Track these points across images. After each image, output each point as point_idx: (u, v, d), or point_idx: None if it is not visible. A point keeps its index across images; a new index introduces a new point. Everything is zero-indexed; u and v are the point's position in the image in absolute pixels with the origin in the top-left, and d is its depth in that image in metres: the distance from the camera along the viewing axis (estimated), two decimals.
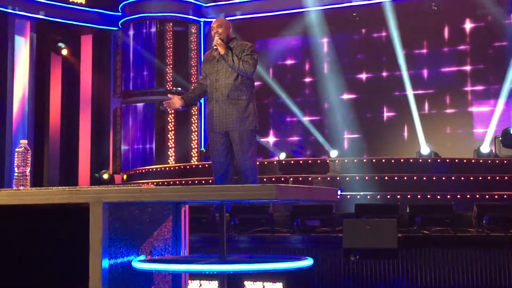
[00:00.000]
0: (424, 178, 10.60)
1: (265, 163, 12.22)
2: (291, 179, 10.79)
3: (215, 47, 5.86)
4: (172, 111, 16.37)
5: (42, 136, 16.83)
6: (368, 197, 10.29)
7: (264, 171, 10.90)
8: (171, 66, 16.81)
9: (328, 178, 10.90)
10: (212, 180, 6.29)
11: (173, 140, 16.71)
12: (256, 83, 6.43)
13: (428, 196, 10.03)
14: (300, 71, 17.25)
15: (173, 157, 16.60)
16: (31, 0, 16.45)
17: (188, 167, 13.41)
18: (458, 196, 9.82)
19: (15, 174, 3.75)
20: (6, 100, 16.15)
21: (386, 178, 10.63)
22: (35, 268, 3.25)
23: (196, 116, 17.02)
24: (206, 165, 12.28)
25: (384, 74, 16.41)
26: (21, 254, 3.27)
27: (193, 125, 17.03)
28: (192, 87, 6.45)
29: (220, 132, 5.81)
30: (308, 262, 3.28)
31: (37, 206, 3.18)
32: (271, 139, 17.00)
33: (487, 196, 9.84)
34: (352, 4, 16.03)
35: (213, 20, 6.36)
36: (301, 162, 12.23)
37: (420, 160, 12.02)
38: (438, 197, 9.96)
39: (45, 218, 3.25)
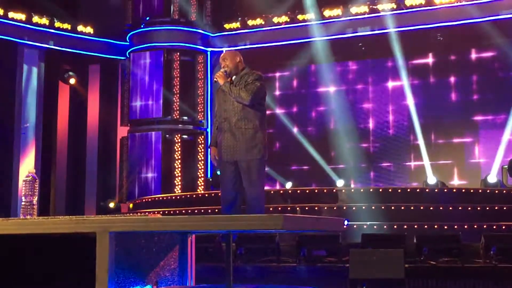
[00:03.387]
0: (431, 208, 10.56)
1: (272, 192, 12.20)
2: (298, 208, 10.77)
3: (214, 80, 5.91)
4: (179, 140, 16.80)
5: (49, 165, 16.86)
6: (375, 227, 10.24)
7: (271, 200, 10.88)
8: (178, 95, 16.90)
9: (335, 208, 10.87)
10: (219, 209, 6.28)
11: (179, 169, 16.73)
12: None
13: (435, 226, 9.98)
14: (307, 100, 17.28)
15: (179, 186, 16.60)
16: (41, 30, 16.62)
17: (194, 196, 13.40)
18: (465, 227, 9.76)
19: (23, 203, 3.77)
20: (14, 128, 16.23)
21: (392, 207, 10.59)
22: None
23: (202, 145, 17.06)
24: (213, 194, 12.26)
25: (390, 103, 16.43)
26: (27, 283, 3.26)
27: (200, 154, 17.05)
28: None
29: (229, 162, 5.79)
30: None
31: (44, 235, 3.18)
32: (277, 168, 16.96)
33: (494, 227, 9.78)
34: (358, 34, 16.13)
35: (220, 49, 6.41)
36: (307, 191, 12.20)
37: (427, 190, 11.97)
38: (445, 227, 9.91)
39: (51, 247, 3.25)
